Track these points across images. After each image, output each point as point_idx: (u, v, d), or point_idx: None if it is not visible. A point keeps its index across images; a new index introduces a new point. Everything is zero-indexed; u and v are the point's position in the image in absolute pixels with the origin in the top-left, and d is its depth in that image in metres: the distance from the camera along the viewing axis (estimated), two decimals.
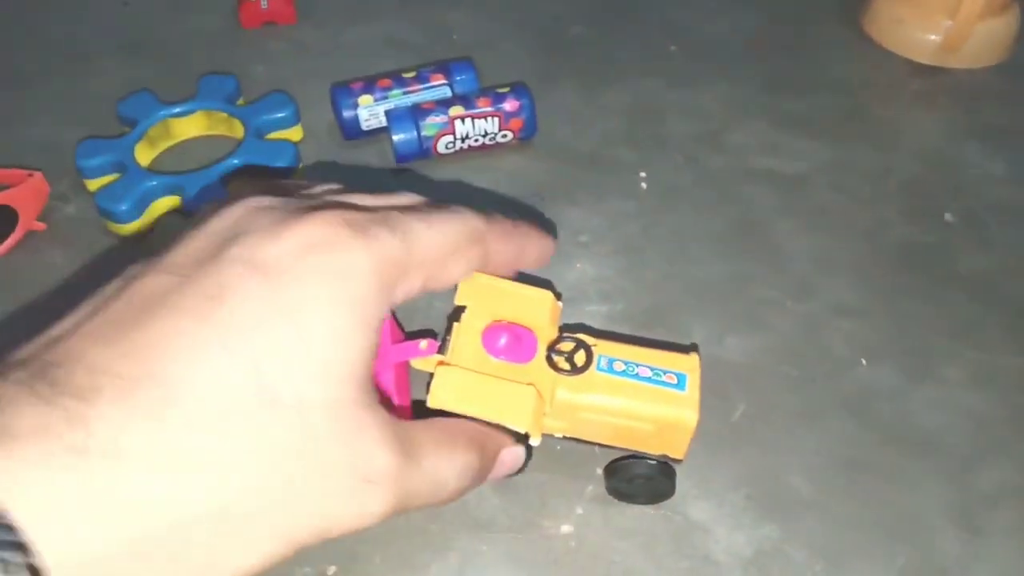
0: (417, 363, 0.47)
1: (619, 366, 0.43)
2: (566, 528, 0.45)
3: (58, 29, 0.80)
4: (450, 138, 0.64)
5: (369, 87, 0.66)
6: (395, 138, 0.64)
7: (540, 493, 0.46)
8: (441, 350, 0.42)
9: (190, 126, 0.67)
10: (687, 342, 0.54)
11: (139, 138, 0.63)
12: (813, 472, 0.48)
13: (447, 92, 0.68)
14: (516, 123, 0.65)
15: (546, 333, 0.44)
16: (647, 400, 0.42)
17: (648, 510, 0.45)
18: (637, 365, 0.43)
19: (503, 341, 0.42)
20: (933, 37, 0.76)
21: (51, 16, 0.82)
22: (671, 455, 0.45)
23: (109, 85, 0.72)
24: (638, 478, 0.45)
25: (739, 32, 0.81)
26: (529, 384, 0.41)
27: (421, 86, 0.67)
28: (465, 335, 0.43)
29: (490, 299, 0.44)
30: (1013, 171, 0.67)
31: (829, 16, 0.84)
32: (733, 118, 0.71)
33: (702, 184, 0.65)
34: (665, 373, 0.43)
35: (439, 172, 0.65)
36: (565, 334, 0.44)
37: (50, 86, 0.74)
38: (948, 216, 0.63)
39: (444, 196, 0.62)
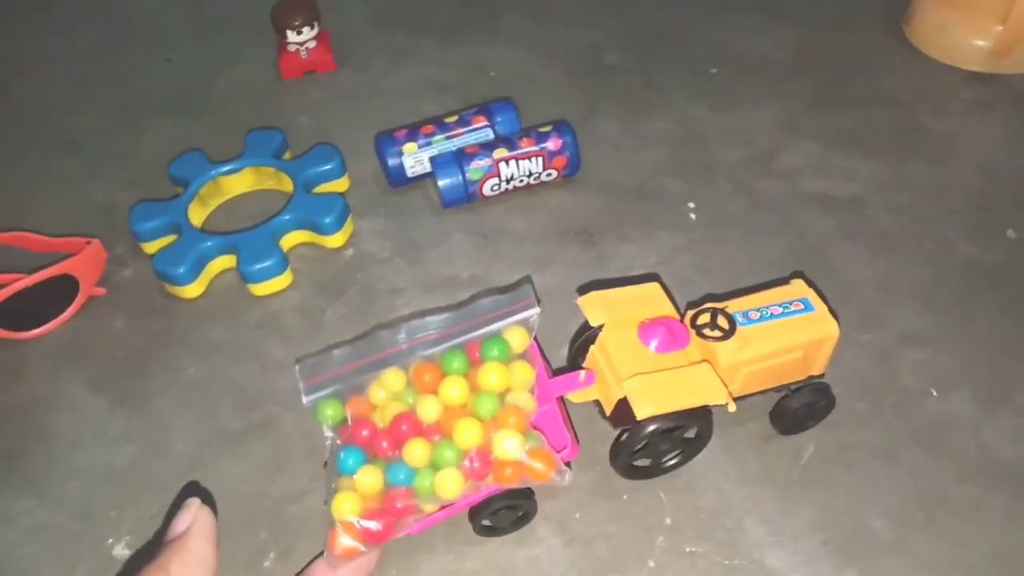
0: (573, 395, 0.48)
1: (754, 315, 0.47)
2: None
3: (109, 90, 0.82)
4: (495, 180, 0.64)
5: (412, 134, 0.67)
6: (441, 184, 0.64)
7: (610, 546, 0.46)
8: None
9: (240, 182, 0.68)
10: None
11: (191, 199, 0.64)
12: (891, 512, 0.46)
13: (489, 134, 0.68)
14: (560, 161, 0.65)
15: (676, 315, 0.48)
16: (795, 331, 0.46)
17: (724, 561, 0.44)
18: (767, 308, 0.47)
19: (661, 335, 0.46)
20: (982, 43, 0.74)
21: (102, 78, 0.84)
22: (815, 374, 0.49)
23: (159, 143, 0.74)
24: (802, 407, 0.48)
25: (779, 48, 0.80)
26: (703, 361, 0.45)
27: (463, 129, 0.67)
28: (619, 346, 0.46)
29: (617, 309, 0.48)
30: None
31: (870, 26, 0.82)
32: (782, 140, 0.70)
33: (754, 211, 0.64)
34: (791, 303, 0.47)
35: (486, 214, 0.65)
36: (695, 309, 0.48)
37: (103, 147, 0.75)
38: (1011, 232, 0.61)
39: (494, 239, 0.63)
